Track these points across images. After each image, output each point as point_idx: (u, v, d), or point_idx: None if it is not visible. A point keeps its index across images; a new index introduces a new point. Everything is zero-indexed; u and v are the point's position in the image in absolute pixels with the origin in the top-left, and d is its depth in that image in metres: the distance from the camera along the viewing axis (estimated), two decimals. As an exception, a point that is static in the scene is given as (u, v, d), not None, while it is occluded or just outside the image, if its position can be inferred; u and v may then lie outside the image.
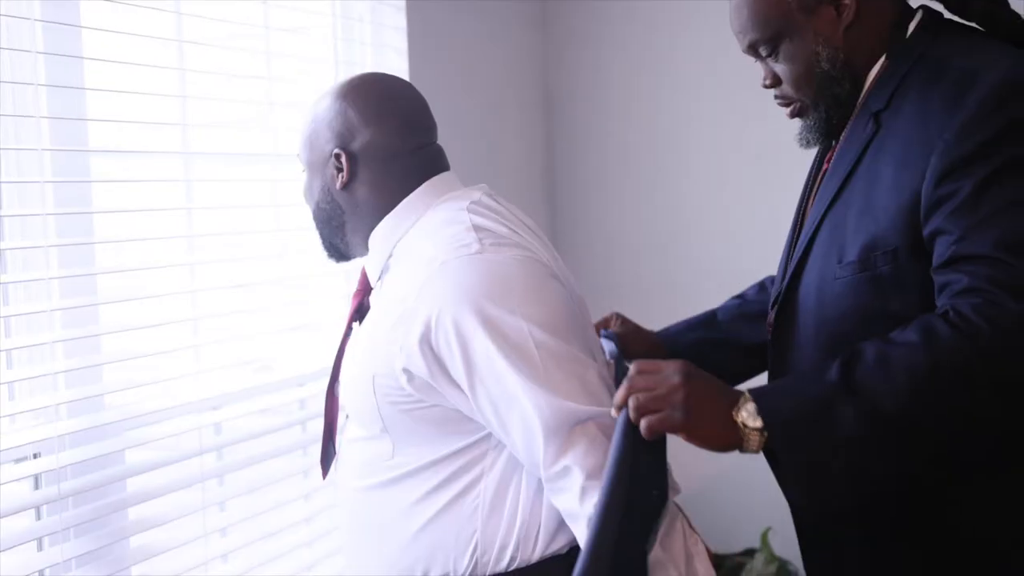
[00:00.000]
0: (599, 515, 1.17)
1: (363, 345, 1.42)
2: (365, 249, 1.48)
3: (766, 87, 1.46)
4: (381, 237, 1.45)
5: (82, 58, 1.62)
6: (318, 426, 2.12)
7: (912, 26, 1.37)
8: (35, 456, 1.54)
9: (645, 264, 2.89)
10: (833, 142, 1.46)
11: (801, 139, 1.47)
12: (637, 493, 1.20)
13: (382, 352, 1.34)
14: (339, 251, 1.53)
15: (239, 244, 2.03)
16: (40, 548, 1.56)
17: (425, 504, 1.36)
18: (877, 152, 1.32)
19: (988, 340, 1.14)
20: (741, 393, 1.21)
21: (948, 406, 1.16)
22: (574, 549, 1.36)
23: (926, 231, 1.24)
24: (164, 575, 1.74)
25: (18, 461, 1.52)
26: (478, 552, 1.34)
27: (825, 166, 1.47)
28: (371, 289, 1.49)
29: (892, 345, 1.18)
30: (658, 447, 1.23)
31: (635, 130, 2.89)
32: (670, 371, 1.20)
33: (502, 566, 1.34)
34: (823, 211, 1.38)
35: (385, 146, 1.44)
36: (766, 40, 1.39)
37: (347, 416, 1.49)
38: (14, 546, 1.47)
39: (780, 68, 1.41)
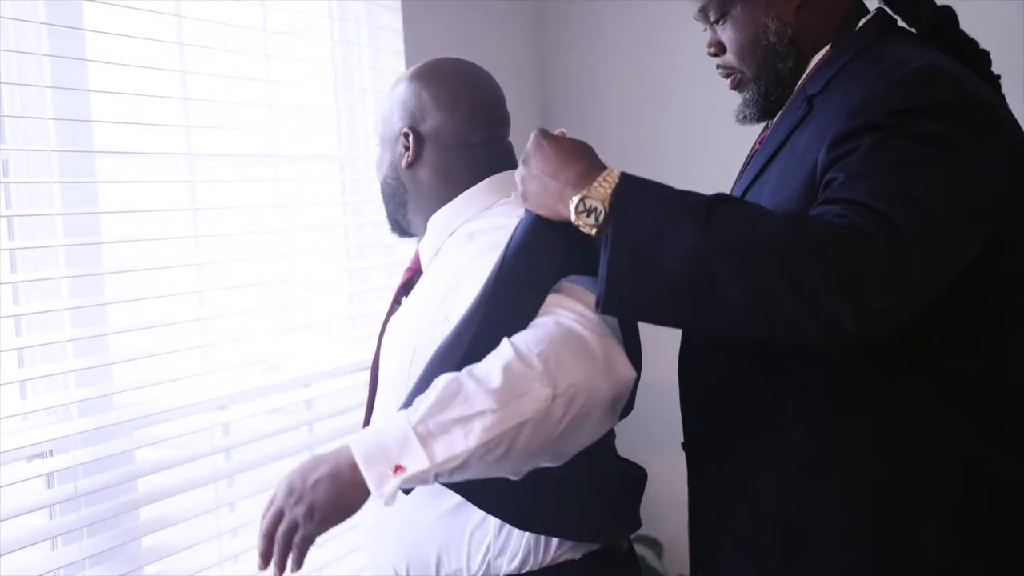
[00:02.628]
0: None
1: (409, 320, 1.43)
2: (424, 229, 1.49)
3: (710, 55, 1.45)
4: (439, 224, 1.46)
5: (86, 60, 1.63)
6: (325, 427, 2.14)
7: (863, 23, 1.36)
8: (50, 454, 1.54)
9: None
10: (769, 123, 1.44)
11: (739, 114, 1.45)
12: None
13: (426, 324, 1.35)
14: (401, 227, 1.55)
15: (246, 244, 2.04)
16: (54, 548, 1.56)
17: (439, 500, 1.36)
18: (801, 133, 1.30)
19: (851, 262, 1.08)
20: (601, 174, 1.21)
21: (785, 293, 1.09)
22: (587, 556, 1.38)
23: (820, 191, 1.19)
24: (177, 575, 1.74)
25: (30, 459, 1.53)
26: (490, 555, 1.35)
27: (757, 146, 1.46)
28: (421, 270, 1.50)
29: (770, 212, 1.15)
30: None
31: (632, 129, 2.89)
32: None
33: (514, 566, 1.35)
34: (743, 190, 1.37)
35: (453, 133, 1.45)
36: (717, 4, 1.39)
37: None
38: (29, 545, 1.47)
39: (726, 36, 1.40)
